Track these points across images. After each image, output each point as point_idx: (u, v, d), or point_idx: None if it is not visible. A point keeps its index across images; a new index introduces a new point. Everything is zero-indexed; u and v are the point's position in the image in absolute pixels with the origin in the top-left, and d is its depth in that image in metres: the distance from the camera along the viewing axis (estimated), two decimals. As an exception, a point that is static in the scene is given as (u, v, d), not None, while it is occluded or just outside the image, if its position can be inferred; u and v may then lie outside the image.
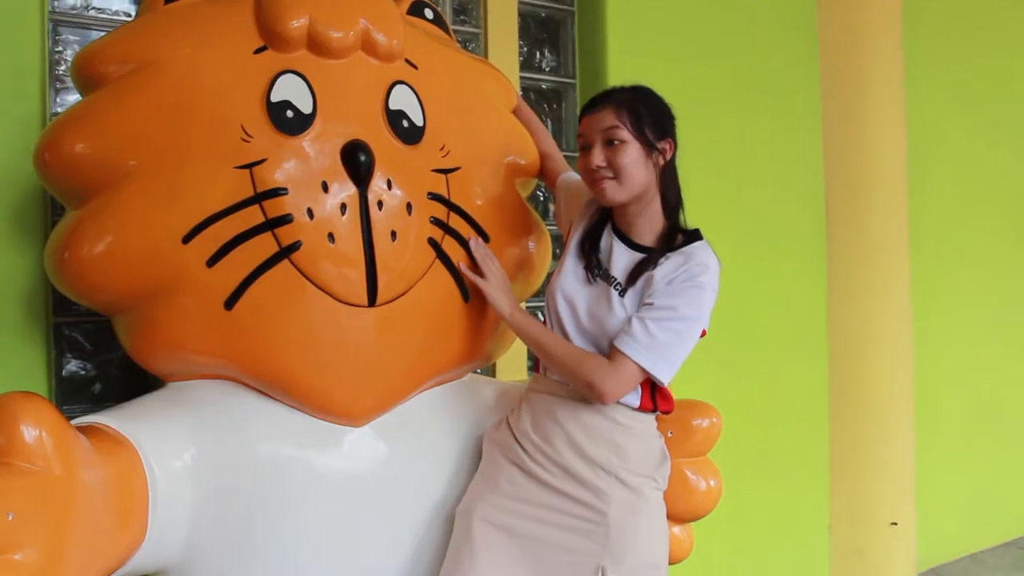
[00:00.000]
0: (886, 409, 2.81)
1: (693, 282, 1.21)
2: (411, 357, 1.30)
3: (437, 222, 1.29)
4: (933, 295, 3.08)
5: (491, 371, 2.13)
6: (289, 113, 1.19)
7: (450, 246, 1.31)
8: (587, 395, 1.23)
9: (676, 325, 1.20)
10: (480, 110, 1.45)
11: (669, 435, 1.40)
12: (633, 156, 1.25)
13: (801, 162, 2.81)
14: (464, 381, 1.45)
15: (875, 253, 2.80)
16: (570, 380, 1.25)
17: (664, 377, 1.21)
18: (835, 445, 2.82)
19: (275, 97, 1.19)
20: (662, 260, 1.24)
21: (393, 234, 1.23)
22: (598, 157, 1.25)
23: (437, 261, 1.29)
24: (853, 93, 2.80)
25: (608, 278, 1.28)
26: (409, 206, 1.25)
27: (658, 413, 1.32)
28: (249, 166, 1.16)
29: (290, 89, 1.20)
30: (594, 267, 1.30)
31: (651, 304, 1.21)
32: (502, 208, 1.42)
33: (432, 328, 1.30)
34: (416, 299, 1.27)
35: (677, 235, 1.28)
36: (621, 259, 1.28)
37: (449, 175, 1.33)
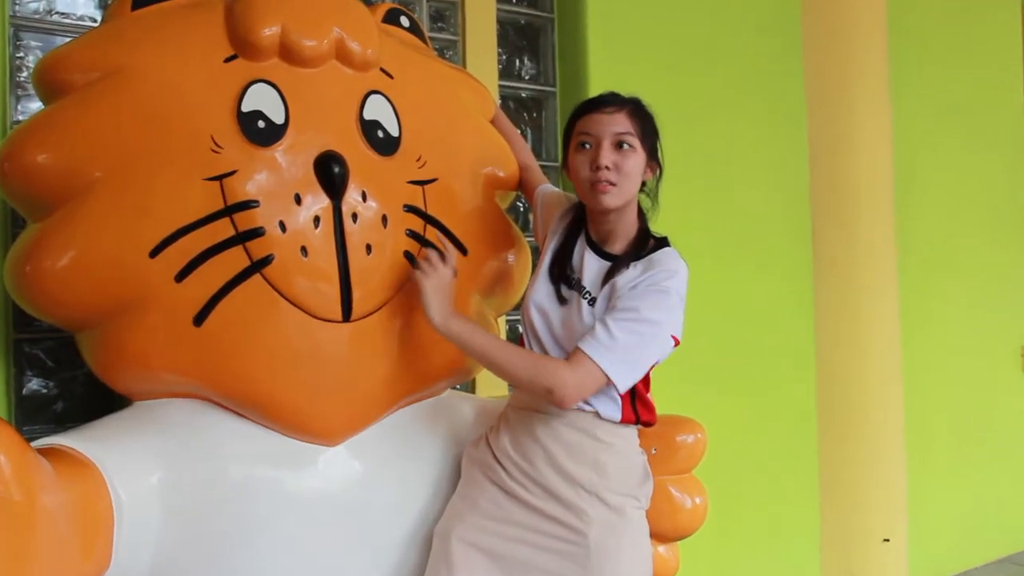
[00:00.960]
0: (876, 423, 2.84)
1: (657, 286, 1.23)
2: (387, 373, 1.30)
3: (413, 235, 1.30)
4: (922, 304, 3.12)
5: (470, 387, 2.13)
6: (260, 123, 1.20)
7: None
8: (547, 401, 1.23)
9: (638, 328, 1.21)
10: (457, 120, 1.46)
11: (652, 452, 1.42)
12: (638, 164, 1.28)
13: (786, 169, 2.84)
14: (442, 398, 1.46)
15: (862, 262, 2.84)
16: (528, 389, 1.25)
17: (621, 380, 1.21)
18: (825, 460, 2.84)
19: (246, 107, 1.20)
20: (628, 267, 1.26)
21: (368, 247, 1.24)
22: (607, 157, 1.26)
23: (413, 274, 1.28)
24: (838, 99, 2.85)
25: (579, 288, 1.30)
26: (384, 218, 1.26)
27: (640, 426, 1.33)
28: (219, 178, 1.17)
29: (261, 99, 1.20)
30: (566, 278, 1.32)
31: (614, 307, 1.23)
32: (480, 220, 1.43)
33: (409, 343, 1.31)
34: (392, 314, 1.28)
35: (647, 243, 1.30)
36: (591, 269, 1.30)
37: (425, 187, 1.34)
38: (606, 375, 1.20)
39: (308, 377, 1.23)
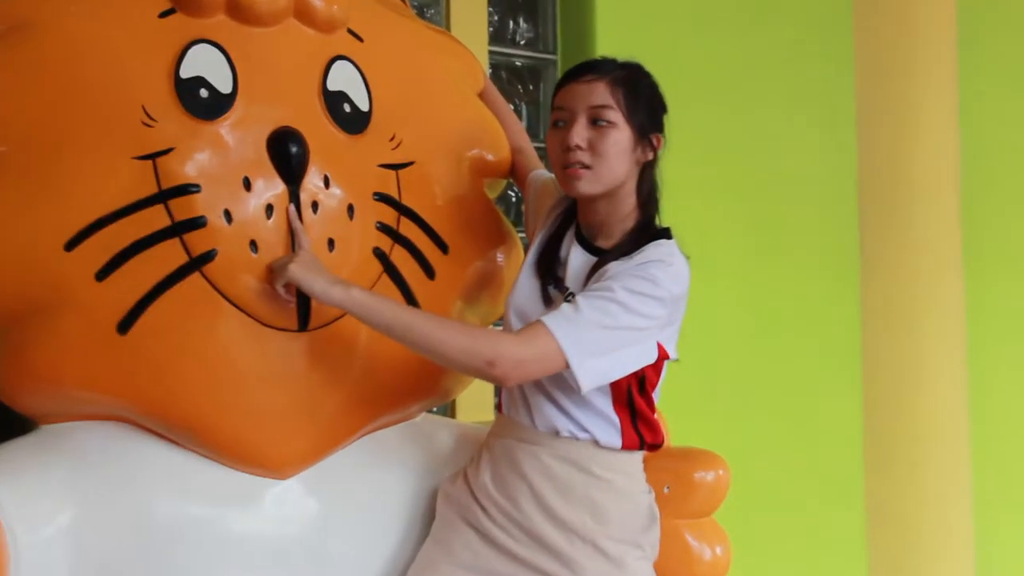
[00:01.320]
0: (935, 453, 2.80)
1: (640, 271, 1.20)
2: (350, 393, 1.29)
3: (385, 228, 1.29)
4: (993, 313, 3.07)
5: (449, 410, 2.12)
6: (203, 92, 1.18)
7: (401, 258, 1.30)
8: (486, 377, 1.21)
9: (611, 308, 1.18)
10: (440, 93, 1.45)
11: (665, 491, 1.40)
12: (620, 143, 1.25)
13: (829, 157, 2.82)
14: (416, 423, 1.44)
15: (919, 262, 2.80)
16: (463, 366, 1.22)
17: (582, 367, 1.17)
18: (871, 501, 2.82)
19: (185, 72, 1.18)
20: (616, 262, 1.23)
21: (331, 243, 1.23)
22: (579, 135, 1.24)
23: (384, 276, 1.29)
24: (894, 65, 2.81)
25: (563, 289, 1.28)
26: (350, 208, 1.24)
27: (646, 451, 1.31)
28: (152, 156, 1.15)
29: (204, 63, 1.19)
30: (553, 277, 1.30)
31: (588, 288, 1.22)
32: (465, 212, 1.42)
33: (377, 358, 1.29)
34: (357, 322, 1.24)
35: (644, 237, 1.27)
36: (576, 265, 1.29)
37: (400, 171, 1.32)
38: (563, 354, 1.17)
39: (255, 396, 1.22)
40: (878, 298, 2.85)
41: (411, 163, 1.34)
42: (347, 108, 1.28)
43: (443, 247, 1.36)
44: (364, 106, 1.30)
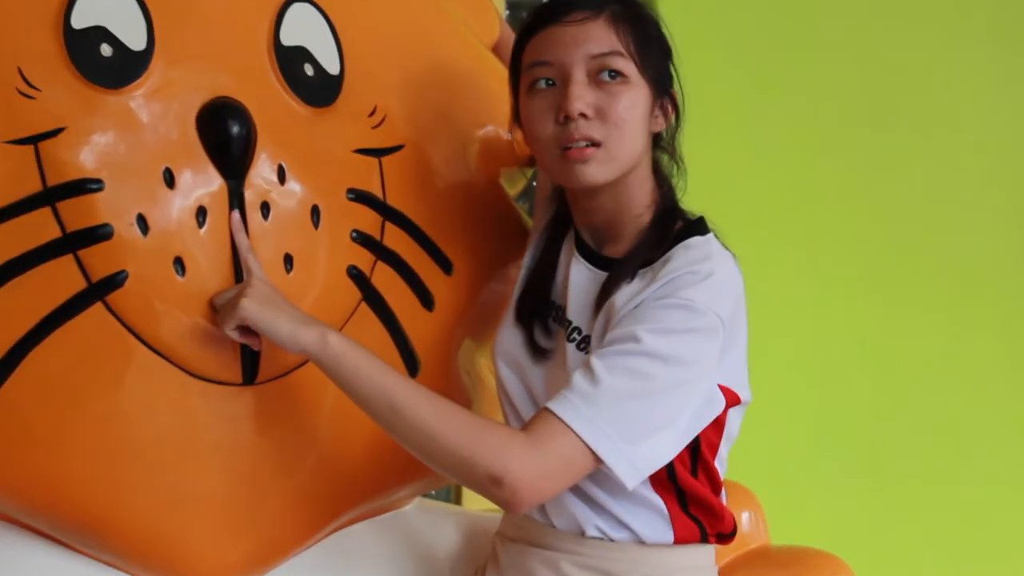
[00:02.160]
0: None
1: (675, 297, 1.19)
2: (313, 474, 1.28)
3: (363, 239, 1.29)
4: None
5: (453, 494, 2.13)
6: (105, 49, 1.18)
7: (386, 280, 1.30)
8: (489, 497, 1.19)
9: (637, 365, 1.16)
10: (438, 49, 1.45)
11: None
12: (638, 104, 1.25)
13: (1007, 141, 2.85)
14: (405, 514, 1.44)
15: None
16: (460, 475, 1.20)
17: (610, 452, 1.15)
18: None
19: (79, 20, 1.17)
20: (633, 276, 1.23)
21: (288, 259, 1.22)
22: (582, 98, 1.22)
23: (363, 305, 1.29)
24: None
25: (565, 323, 1.29)
26: (315, 211, 1.24)
27: (714, 543, 1.30)
28: (33, 140, 1.15)
29: (107, 6, 1.19)
30: (546, 309, 1.32)
31: (606, 340, 1.20)
32: (473, 215, 1.42)
33: (352, 421, 1.26)
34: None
35: (669, 233, 1.26)
36: (580, 289, 1.29)
37: (384, 158, 1.33)
38: (591, 450, 1.15)
39: (178, 480, 1.21)
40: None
41: (399, 147, 1.34)
42: (309, 70, 1.28)
43: (445, 264, 1.36)
44: (333, 67, 1.30)
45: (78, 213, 1.16)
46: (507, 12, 2.57)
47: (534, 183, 2.42)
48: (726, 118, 2.54)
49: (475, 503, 2.12)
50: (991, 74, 2.87)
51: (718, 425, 1.25)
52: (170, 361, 1.19)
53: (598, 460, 1.16)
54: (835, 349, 2.70)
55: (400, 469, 1.37)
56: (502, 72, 1.55)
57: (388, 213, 1.32)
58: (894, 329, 2.74)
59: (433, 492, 1.65)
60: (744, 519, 1.43)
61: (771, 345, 2.52)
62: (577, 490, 1.24)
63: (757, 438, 2.36)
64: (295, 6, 1.29)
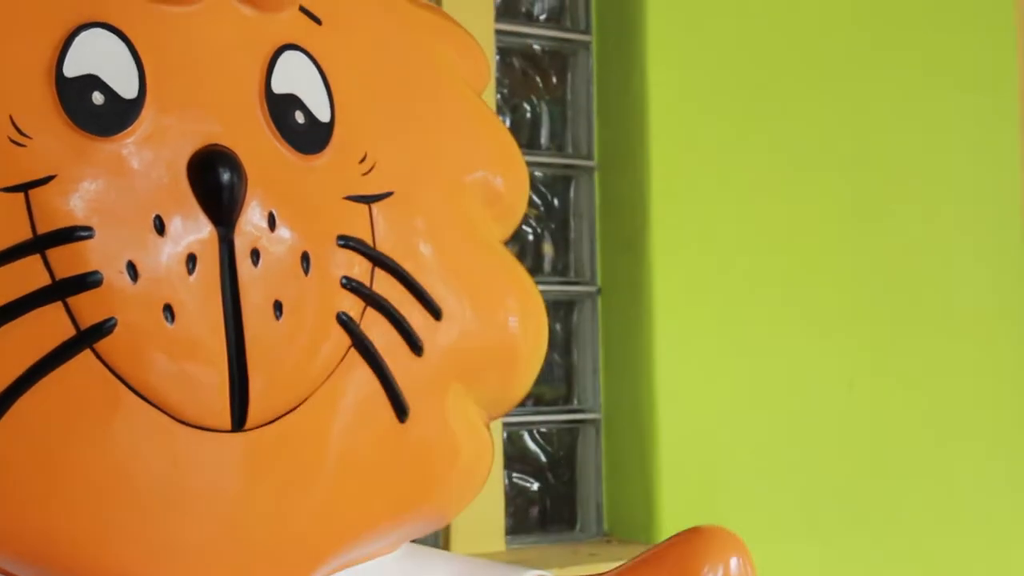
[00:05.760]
0: None
1: None
2: (304, 518, 1.27)
3: (353, 286, 1.28)
4: None
5: (442, 538, 2.13)
6: (96, 97, 1.18)
7: (375, 326, 1.30)
8: None
9: None
10: (429, 96, 1.46)
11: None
12: None
13: (991, 183, 2.87)
14: (397, 557, 1.43)
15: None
16: None
17: None
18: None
19: (71, 69, 1.17)
20: None
21: (278, 307, 1.21)
22: None
23: (352, 351, 1.28)
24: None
25: None
26: (306, 258, 1.24)
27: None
28: (23, 187, 1.14)
29: (99, 55, 1.18)
30: None
31: None
32: (464, 260, 1.41)
33: (342, 467, 1.29)
34: (315, 418, 1.25)
35: None
36: None
37: (375, 205, 1.33)
38: None
39: (170, 525, 1.20)
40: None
41: (389, 194, 1.34)
42: (299, 118, 1.28)
43: (434, 311, 1.35)
44: (323, 115, 1.30)
45: (68, 260, 1.14)
46: (497, 57, 2.58)
47: (523, 227, 2.43)
48: (709, 163, 2.55)
49: (464, 547, 2.12)
50: (974, 117, 2.89)
51: None
52: (159, 408, 1.18)
53: None
54: (823, 392, 2.71)
55: (388, 516, 1.36)
56: (494, 120, 1.56)
57: (378, 260, 1.32)
58: (882, 372, 2.74)
59: (423, 537, 1.63)
60: (732, 565, 1.41)
61: (757, 388, 2.53)
62: None
63: (745, 482, 2.36)
64: (287, 53, 1.29)
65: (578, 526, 2.66)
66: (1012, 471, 2.99)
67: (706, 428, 2.55)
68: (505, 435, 2.47)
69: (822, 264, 2.79)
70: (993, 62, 3.03)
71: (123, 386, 1.16)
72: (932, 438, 2.87)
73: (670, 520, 2.46)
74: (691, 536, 1.43)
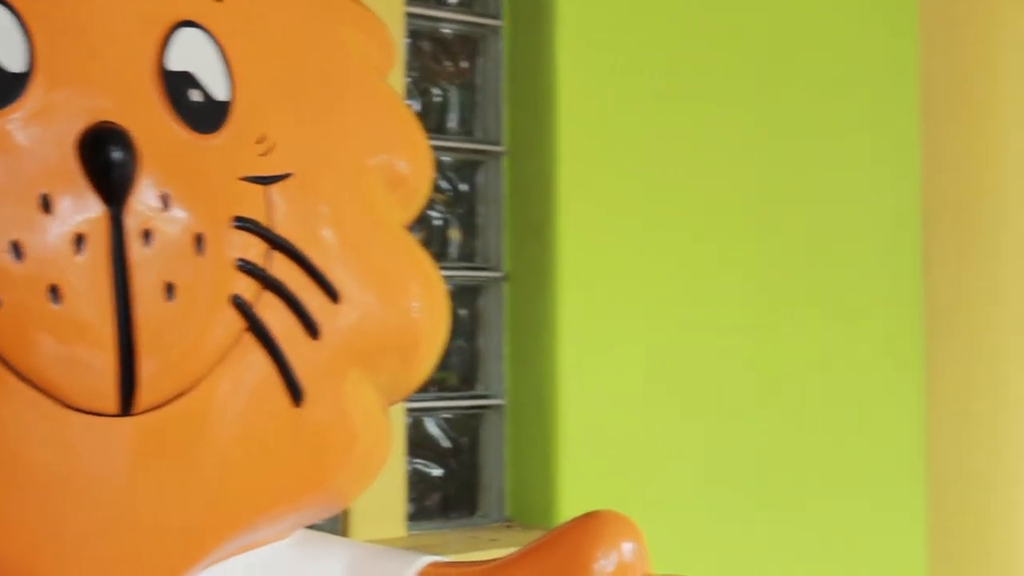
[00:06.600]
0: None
1: None
2: (195, 504, 1.26)
3: (249, 268, 1.27)
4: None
5: (341, 523, 2.13)
6: (-20, 71, 1.13)
7: (271, 309, 1.29)
8: None
9: None
10: (332, 77, 1.45)
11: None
12: None
13: (882, 178, 2.93)
14: (291, 544, 1.42)
15: (1008, 315, 2.90)
16: None
17: None
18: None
19: (-47, 42, 1.13)
20: None
21: (169, 288, 1.20)
22: None
23: (247, 334, 1.27)
24: (973, 56, 2.93)
25: None
26: (199, 240, 1.22)
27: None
28: (-97, 163, 1.10)
29: (-16, 28, 1.14)
30: None
31: None
32: (364, 244, 1.41)
33: (235, 451, 1.27)
34: (206, 402, 1.24)
35: None
36: None
37: (272, 186, 1.31)
38: None
39: (57, 512, 1.18)
40: (951, 367, 2.93)
41: (288, 175, 1.33)
42: (195, 96, 1.26)
43: (332, 294, 1.35)
44: (221, 93, 1.29)
45: (-53, 238, 1.12)
46: (408, 41, 2.56)
47: (427, 212, 2.42)
48: (617, 150, 2.57)
49: (364, 532, 2.11)
50: (874, 109, 2.95)
51: None
52: (45, 392, 1.16)
53: None
54: (724, 377, 2.75)
55: (286, 499, 1.36)
56: (399, 103, 1.56)
57: (276, 242, 1.30)
58: (780, 356, 2.79)
59: (322, 521, 1.62)
60: (625, 549, 1.42)
61: (660, 373, 2.55)
62: None
63: (647, 466, 2.38)
64: (184, 30, 1.28)
65: (480, 512, 2.67)
66: (902, 447, 3.07)
67: (609, 413, 2.57)
68: (409, 421, 2.47)
69: (725, 250, 2.83)
70: (893, 58, 3.10)
71: (7, 370, 1.15)
72: (828, 417, 2.93)
73: (572, 505, 2.47)
74: (585, 521, 1.44)
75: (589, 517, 1.45)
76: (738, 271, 2.83)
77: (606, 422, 2.58)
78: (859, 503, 2.99)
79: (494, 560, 1.42)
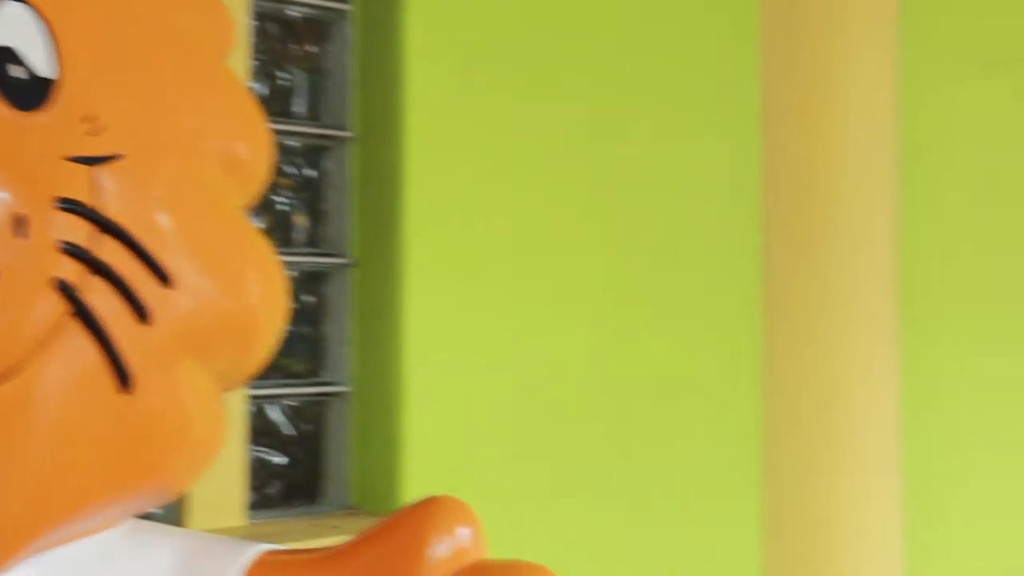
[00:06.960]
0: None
1: None
2: (14, 493, 1.23)
3: (73, 250, 1.24)
4: (938, 371, 3.33)
5: (177, 512, 2.10)
6: None
7: (99, 294, 1.26)
8: None
9: None
10: (170, 59, 1.42)
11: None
12: None
13: (723, 167, 3.01)
14: (120, 534, 1.40)
15: (839, 303, 3.01)
16: None
17: None
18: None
19: None
20: None
21: (-12, 271, 1.17)
22: None
23: (71, 318, 1.24)
24: (808, 50, 3.03)
25: None
26: (20, 221, 1.18)
27: None
28: None
29: None
30: None
31: None
32: (198, 227, 1.39)
33: (57, 438, 1.24)
34: (26, 388, 1.21)
35: None
36: None
37: (102, 168, 1.28)
38: None
39: None
40: (785, 354, 3.03)
41: (118, 156, 1.30)
42: (17, 72, 1.23)
43: (163, 277, 1.32)
44: (45, 70, 1.25)
45: None
46: (256, 23, 2.53)
47: (273, 197, 2.40)
48: (467, 137, 2.58)
49: (203, 522, 2.07)
50: (717, 108, 3.02)
51: None
52: None
53: None
54: (570, 365, 2.79)
55: (113, 488, 1.32)
56: (239, 86, 1.53)
57: (102, 224, 1.27)
58: (626, 347, 2.85)
59: (159, 510, 1.60)
60: (461, 534, 1.44)
61: (507, 361, 2.58)
62: None
63: (493, 453, 2.41)
64: (7, 4, 1.24)
65: (324, 499, 2.65)
66: (740, 441, 3.18)
67: (455, 402, 2.59)
68: (252, 408, 2.44)
69: (574, 241, 2.88)
70: (735, 61, 3.18)
71: None
72: (671, 410, 3.01)
73: (416, 493, 2.46)
74: (422, 506, 1.45)
75: (426, 502, 1.46)
76: (583, 261, 2.88)
77: (451, 410, 2.60)
78: (697, 492, 3.08)
79: (331, 547, 1.42)
